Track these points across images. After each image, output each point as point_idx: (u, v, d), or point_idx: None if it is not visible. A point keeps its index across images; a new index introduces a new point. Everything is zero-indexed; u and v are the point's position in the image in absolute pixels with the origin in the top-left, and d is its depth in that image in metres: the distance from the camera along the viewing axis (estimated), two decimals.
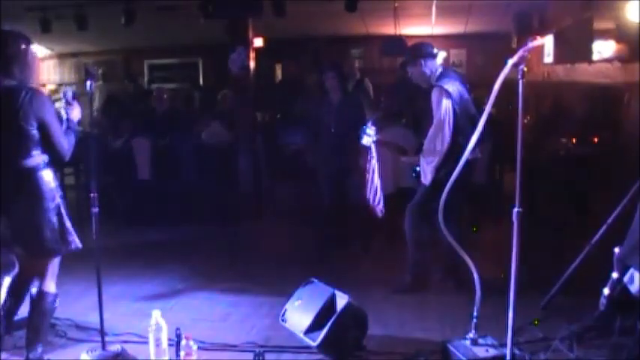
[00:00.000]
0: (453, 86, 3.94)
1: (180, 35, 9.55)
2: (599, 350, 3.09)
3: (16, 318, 3.37)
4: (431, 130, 3.97)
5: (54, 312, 3.58)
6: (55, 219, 2.89)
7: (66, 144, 2.93)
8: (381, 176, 4.34)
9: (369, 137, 4.27)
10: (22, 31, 2.94)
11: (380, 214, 4.36)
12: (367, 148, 4.33)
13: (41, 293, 2.99)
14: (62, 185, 7.27)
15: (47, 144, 2.86)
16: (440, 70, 4.11)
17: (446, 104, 3.90)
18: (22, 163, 2.80)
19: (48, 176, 2.88)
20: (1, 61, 2.79)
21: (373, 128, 4.30)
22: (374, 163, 4.30)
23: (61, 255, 2.99)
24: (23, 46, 2.87)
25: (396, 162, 5.48)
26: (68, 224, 2.95)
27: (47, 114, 2.83)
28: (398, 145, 4.53)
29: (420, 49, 4.13)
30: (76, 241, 2.98)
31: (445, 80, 3.97)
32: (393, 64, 9.61)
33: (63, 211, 2.93)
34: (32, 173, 2.83)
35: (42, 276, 2.99)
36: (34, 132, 2.80)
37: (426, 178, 4.03)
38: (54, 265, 3.01)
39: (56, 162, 2.97)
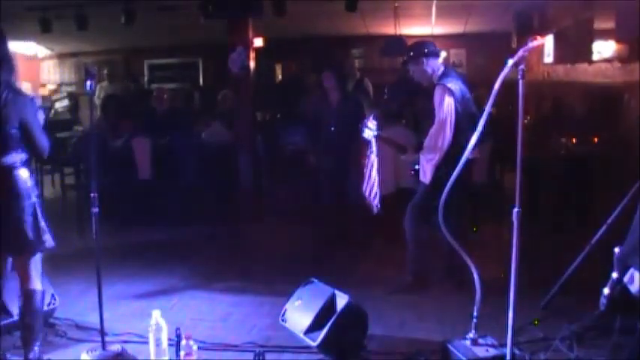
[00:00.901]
0: (456, 85, 3.93)
1: (181, 35, 9.56)
2: (600, 350, 3.10)
3: (17, 318, 3.38)
4: (432, 129, 3.96)
5: (54, 312, 3.60)
6: (30, 218, 2.88)
7: (46, 141, 2.95)
8: (379, 173, 4.31)
9: (370, 131, 4.26)
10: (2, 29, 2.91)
11: (375, 211, 4.33)
12: (367, 143, 4.31)
13: (28, 292, 2.97)
14: (63, 185, 7.36)
15: (28, 143, 2.87)
16: (442, 69, 4.10)
17: (448, 103, 3.88)
18: None
19: (24, 175, 2.88)
20: None
21: (374, 122, 4.28)
22: (373, 158, 4.28)
23: (37, 253, 2.97)
24: (6, 45, 2.84)
25: (397, 162, 5.48)
26: (42, 223, 2.93)
27: (29, 115, 2.84)
28: (398, 143, 4.51)
29: (422, 48, 4.12)
30: (49, 240, 2.96)
31: (448, 79, 3.96)
32: (393, 64, 9.62)
33: (38, 210, 2.92)
34: (9, 172, 2.83)
35: (25, 276, 2.97)
36: (14, 131, 2.80)
37: (426, 176, 4.02)
38: (36, 263, 2.99)
39: (37, 159, 3.01)
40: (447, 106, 3.88)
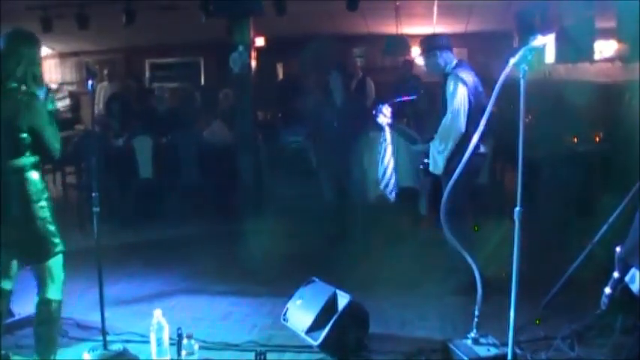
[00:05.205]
0: (469, 76, 3.91)
1: (182, 34, 9.56)
2: (601, 349, 3.10)
3: (18, 317, 3.39)
4: (445, 118, 3.92)
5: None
6: (40, 222, 2.76)
7: (57, 144, 2.84)
8: (395, 160, 4.22)
9: (384, 117, 4.22)
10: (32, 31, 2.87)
11: (392, 199, 4.23)
12: (381, 130, 4.25)
13: (42, 300, 2.84)
14: (64, 184, 7.36)
15: (39, 146, 2.78)
16: (455, 61, 4.07)
17: (462, 92, 3.85)
18: (9, 164, 2.71)
19: (35, 177, 2.78)
20: (6, 61, 2.69)
21: (389, 109, 4.24)
22: (386, 146, 4.21)
23: (49, 259, 2.82)
24: (31, 47, 2.78)
25: (396, 163, 5.46)
26: (53, 228, 2.81)
27: (41, 120, 2.75)
28: (410, 133, 4.45)
29: (437, 41, 4.14)
30: (60, 245, 2.84)
31: (461, 69, 3.95)
32: (394, 63, 9.62)
33: (48, 213, 2.79)
34: (19, 174, 2.73)
35: (41, 283, 2.84)
36: (25, 136, 2.72)
37: (437, 166, 3.99)
38: (52, 269, 2.84)
39: (49, 160, 2.89)
40: (460, 96, 3.85)
